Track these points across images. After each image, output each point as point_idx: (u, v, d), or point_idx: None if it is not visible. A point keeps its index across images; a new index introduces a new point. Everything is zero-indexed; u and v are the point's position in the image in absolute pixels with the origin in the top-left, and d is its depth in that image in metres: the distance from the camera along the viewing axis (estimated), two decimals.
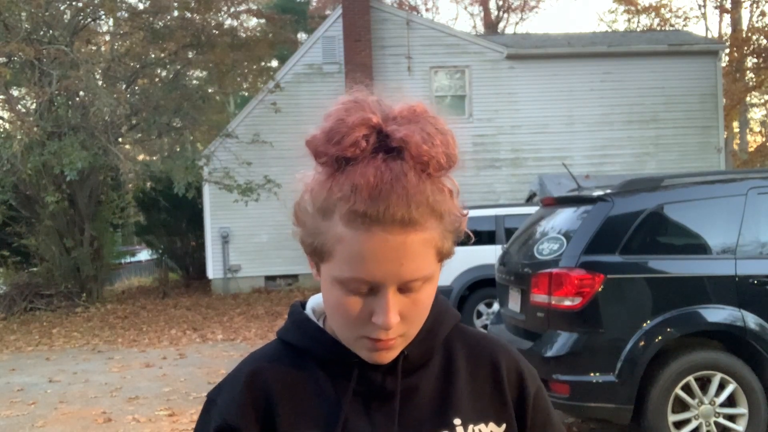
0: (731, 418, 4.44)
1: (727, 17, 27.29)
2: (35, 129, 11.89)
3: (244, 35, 17.13)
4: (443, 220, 0.92)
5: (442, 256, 0.94)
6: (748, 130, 29.73)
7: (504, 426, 1.03)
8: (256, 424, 0.98)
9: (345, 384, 0.99)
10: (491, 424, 1.02)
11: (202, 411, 1.05)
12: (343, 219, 0.91)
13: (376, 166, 0.91)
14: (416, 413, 0.99)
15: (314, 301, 1.09)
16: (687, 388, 4.42)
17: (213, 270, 16.83)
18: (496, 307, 7.34)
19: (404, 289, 0.91)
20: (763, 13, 24.18)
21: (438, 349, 1.04)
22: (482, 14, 36.20)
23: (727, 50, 22.47)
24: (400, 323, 0.91)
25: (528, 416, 1.07)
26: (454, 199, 0.96)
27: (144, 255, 26.88)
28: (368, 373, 0.99)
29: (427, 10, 36.87)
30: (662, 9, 27.41)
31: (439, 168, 0.95)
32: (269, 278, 16.81)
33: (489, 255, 9.24)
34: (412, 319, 0.93)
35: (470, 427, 1.00)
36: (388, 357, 0.95)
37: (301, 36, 29.78)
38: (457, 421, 1.00)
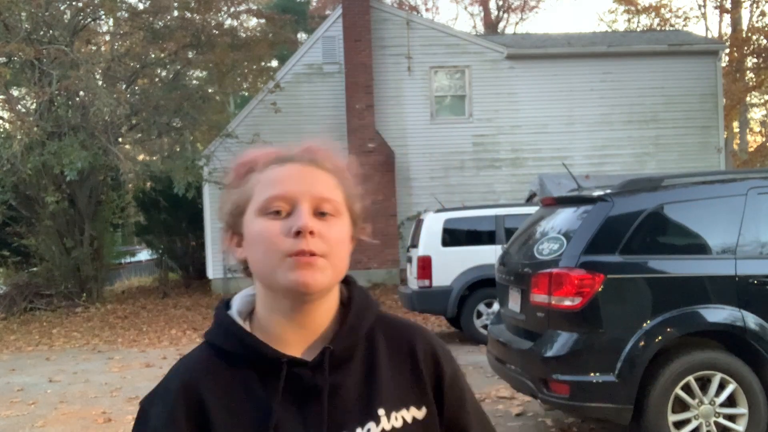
0: (731, 418, 4.44)
1: (727, 17, 27.29)
2: (35, 129, 11.89)
3: (244, 35, 17.12)
4: (345, 180, 1.08)
5: (352, 212, 1.08)
6: (748, 130, 29.71)
7: (425, 409, 1.07)
8: (188, 429, 1.00)
9: (275, 383, 1.01)
10: (412, 409, 1.06)
11: (136, 419, 1.07)
12: (262, 169, 1.06)
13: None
14: (343, 408, 1.02)
15: (238, 302, 1.15)
16: (687, 388, 4.41)
17: (213, 270, 16.83)
18: (496, 307, 7.35)
19: (317, 210, 1.02)
20: (763, 13, 24.19)
21: (361, 342, 1.08)
22: (482, 14, 36.21)
23: (727, 50, 22.47)
24: (317, 240, 0.99)
25: (445, 398, 1.10)
26: (356, 187, 1.10)
27: (144, 255, 26.86)
28: (296, 371, 1.02)
29: (427, 10, 36.91)
30: (662, 9, 27.41)
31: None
32: None
33: (489, 255, 9.23)
34: (328, 240, 1.00)
35: (393, 414, 1.04)
36: (312, 277, 0.99)
37: (301, 36, 29.77)
38: (381, 411, 1.04)
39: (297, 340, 1.05)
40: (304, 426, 1.00)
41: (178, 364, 1.09)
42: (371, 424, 1.03)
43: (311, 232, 0.99)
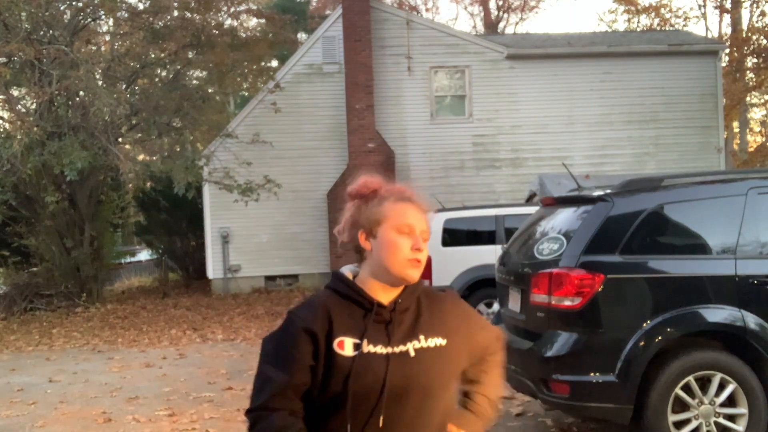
0: (731, 418, 4.44)
1: (727, 17, 27.29)
2: (35, 129, 11.89)
3: (244, 35, 17.11)
4: (430, 216, 1.93)
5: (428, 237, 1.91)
6: (748, 130, 29.71)
7: (446, 341, 1.90)
8: (323, 329, 1.80)
9: (368, 314, 1.85)
10: (439, 338, 1.89)
11: (284, 323, 1.85)
12: (394, 201, 1.88)
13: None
14: (401, 332, 1.86)
15: (345, 270, 1.95)
16: (687, 388, 4.42)
17: (213, 270, 16.83)
18: (496, 307, 7.34)
19: (422, 237, 1.85)
20: (763, 13, 24.18)
21: (414, 301, 1.92)
22: (482, 14, 36.20)
23: (727, 50, 22.47)
24: (421, 254, 1.84)
25: (472, 343, 2.00)
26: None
27: (144, 255, 26.86)
28: (380, 309, 1.86)
29: (427, 10, 36.87)
30: (662, 9, 27.41)
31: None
32: (269, 278, 16.82)
33: (489, 255, 9.24)
34: (424, 255, 1.85)
35: (429, 338, 1.87)
36: (417, 274, 1.86)
37: (301, 36, 29.76)
38: (421, 336, 1.87)
39: (383, 296, 1.88)
40: (380, 338, 1.83)
41: (315, 295, 1.91)
42: (415, 342, 1.86)
43: (419, 249, 1.85)
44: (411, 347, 1.85)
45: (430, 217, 1.92)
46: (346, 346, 1.80)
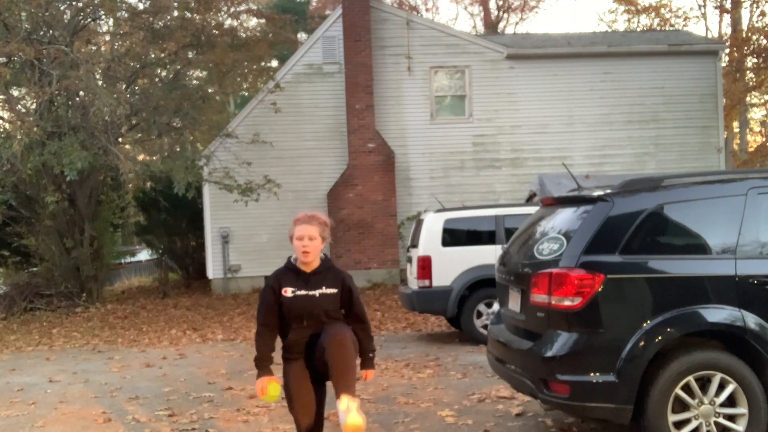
0: (731, 418, 4.44)
1: (727, 17, 27.28)
2: (35, 129, 11.89)
3: (244, 35, 17.10)
4: (324, 230, 3.92)
5: (323, 238, 3.89)
6: (748, 130, 29.71)
7: (336, 290, 3.90)
8: (278, 285, 3.90)
9: (298, 275, 3.91)
10: (332, 289, 3.89)
11: (264, 287, 4.01)
12: (294, 225, 3.95)
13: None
14: (314, 285, 3.88)
15: (293, 257, 3.99)
16: (687, 388, 4.41)
17: (213, 270, 16.83)
18: (496, 307, 7.34)
19: (309, 238, 3.85)
20: (763, 13, 24.17)
21: (325, 271, 3.93)
22: (482, 14, 36.19)
23: (727, 50, 22.46)
24: (309, 243, 3.85)
25: (346, 295, 3.95)
26: (326, 230, 3.93)
27: (144, 255, 26.88)
28: (303, 273, 3.90)
29: (427, 10, 36.86)
30: (662, 9, 27.40)
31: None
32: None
33: (489, 255, 9.24)
34: (312, 246, 3.85)
35: (328, 288, 3.88)
36: (308, 257, 3.87)
37: (301, 36, 29.77)
38: (323, 287, 3.88)
39: (305, 267, 3.92)
40: (303, 287, 3.88)
41: (276, 270, 3.99)
42: (319, 290, 3.86)
43: (306, 246, 3.88)
44: (317, 292, 3.85)
45: (316, 223, 3.86)
46: (288, 292, 3.87)
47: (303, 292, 3.84)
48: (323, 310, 3.84)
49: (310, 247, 3.82)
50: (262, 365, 3.91)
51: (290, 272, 3.91)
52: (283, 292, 3.85)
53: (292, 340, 3.90)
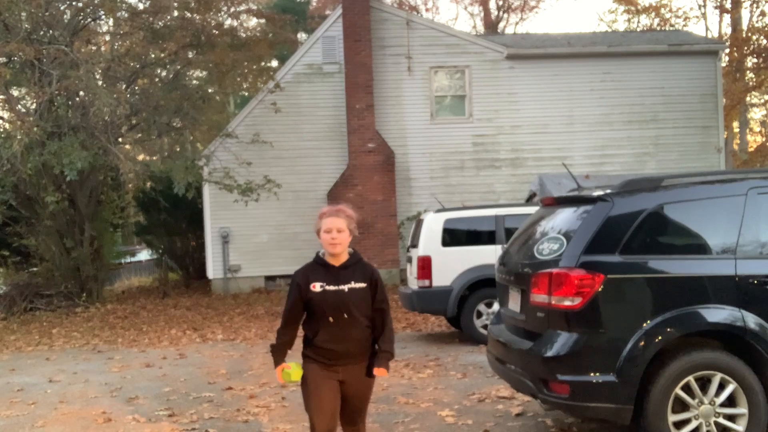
0: (731, 418, 4.44)
1: (727, 17, 27.29)
2: (35, 129, 11.88)
3: (244, 35, 17.09)
4: (351, 222, 3.85)
5: (350, 230, 3.83)
6: (748, 130, 29.72)
7: (366, 285, 3.84)
8: (304, 280, 3.83)
9: (327, 269, 3.85)
10: (361, 283, 3.83)
11: (290, 283, 3.93)
12: (319, 218, 3.90)
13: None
14: (344, 279, 3.81)
15: (321, 250, 3.93)
16: (687, 388, 4.41)
17: (213, 270, 16.83)
18: (496, 307, 7.34)
19: (337, 231, 3.80)
20: (763, 13, 24.17)
21: (353, 265, 3.87)
22: (482, 14, 36.19)
23: (727, 50, 22.46)
24: (337, 236, 3.79)
25: (375, 289, 3.88)
26: (353, 223, 3.86)
27: (144, 255, 26.87)
28: (333, 268, 3.85)
29: (427, 10, 36.85)
30: (662, 9, 27.42)
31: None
32: (269, 278, 16.82)
33: (489, 255, 9.24)
34: (341, 239, 3.80)
35: (357, 283, 3.82)
36: (336, 249, 3.81)
37: (301, 36, 29.78)
38: (353, 282, 3.82)
39: (334, 261, 3.86)
40: (332, 282, 3.81)
41: (304, 265, 3.93)
42: (349, 284, 3.80)
43: (334, 238, 3.83)
44: (346, 287, 3.79)
45: (343, 216, 3.81)
46: (317, 287, 3.79)
47: (333, 287, 3.76)
48: (353, 304, 3.76)
49: (339, 239, 3.75)
50: (277, 354, 3.90)
51: (319, 267, 3.84)
52: (311, 287, 3.77)
53: (322, 340, 3.80)
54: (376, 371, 3.81)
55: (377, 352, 3.86)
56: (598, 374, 4.39)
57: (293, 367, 3.86)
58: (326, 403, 3.80)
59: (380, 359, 3.82)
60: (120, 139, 14.70)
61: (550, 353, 4.49)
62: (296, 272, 3.88)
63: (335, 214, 3.79)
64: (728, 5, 26.37)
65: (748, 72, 24.40)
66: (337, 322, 3.76)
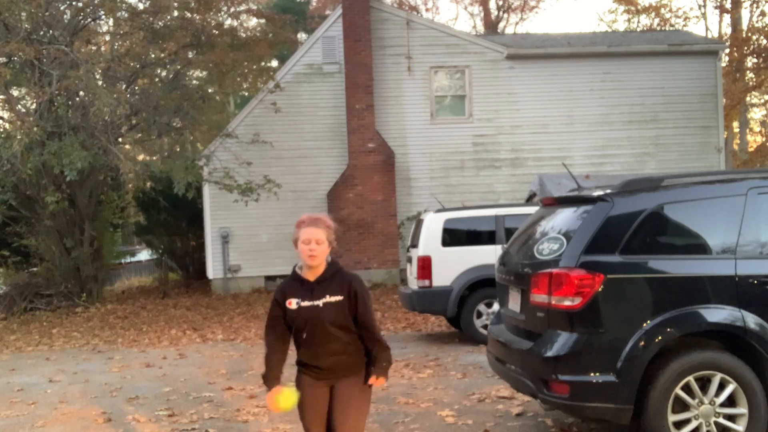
0: (731, 418, 4.44)
1: (727, 17, 27.29)
2: (35, 129, 11.88)
3: (244, 35, 17.09)
4: (330, 234, 3.63)
5: (329, 242, 3.61)
6: (748, 130, 29.71)
7: (342, 297, 3.58)
8: (282, 297, 3.67)
9: (302, 284, 3.64)
10: (338, 296, 3.58)
11: (271, 301, 3.76)
12: (298, 228, 3.66)
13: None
14: (319, 294, 3.59)
15: (297, 265, 3.73)
16: (687, 388, 4.41)
17: (213, 270, 16.83)
18: (496, 307, 7.34)
19: (316, 242, 3.57)
20: (763, 13, 24.18)
21: (331, 277, 3.62)
22: (482, 14, 36.18)
23: (727, 50, 22.46)
24: (315, 248, 3.56)
25: (354, 300, 3.61)
26: (332, 234, 3.65)
27: (144, 255, 26.87)
28: (308, 282, 3.62)
29: (427, 10, 36.84)
30: (662, 9, 27.41)
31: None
32: (269, 278, 16.81)
33: (489, 255, 9.24)
34: (319, 251, 3.57)
35: (333, 296, 3.58)
36: (314, 261, 3.58)
37: (301, 36, 29.76)
38: (327, 295, 3.58)
39: (310, 274, 3.63)
40: (307, 297, 3.60)
41: (282, 282, 3.77)
42: (324, 298, 3.57)
43: (312, 250, 3.59)
44: (321, 302, 3.58)
45: (323, 226, 3.61)
46: (293, 304, 3.63)
47: (307, 303, 3.58)
48: (328, 320, 3.56)
49: (317, 252, 3.55)
50: (269, 381, 3.67)
51: (295, 282, 3.66)
52: (287, 305, 3.62)
53: (306, 356, 3.68)
54: (372, 380, 3.63)
55: (373, 362, 3.68)
56: (598, 374, 4.39)
57: (285, 393, 3.61)
58: (318, 411, 3.69)
59: (376, 368, 3.64)
60: (120, 139, 14.70)
61: (550, 353, 4.49)
62: (276, 289, 3.75)
63: (314, 224, 3.60)
64: (728, 5, 26.37)
65: (748, 72, 24.40)
66: (312, 338, 3.60)
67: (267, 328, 3.74)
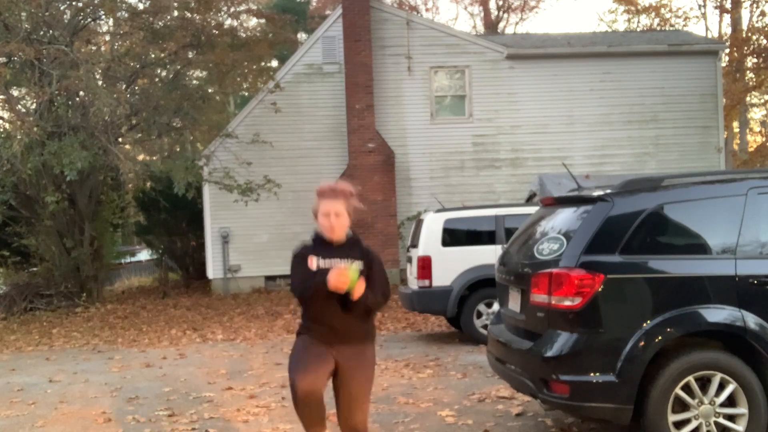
0: (731, 418, 4.44)
1: (727, 17, 27.29)
2: (35, 129, 11.88)
3: (244, 35, 17.10)
4: (350, 204, 3.74)
5: (349, 213, 3.73)
6: (748, 130, 29.72)
7: (361, 263, 3.70)
8: (304, 255, 3.76)
9: (324, 246, 3.77)
10: (358, 261, 3.69)
11: (292, 259, 3.82)
12: (318, 199, 3.82)
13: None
14: (341, 255, 3.71)
15: (316, 228, 3.82)
16: (687, 388, 4.41)
17: (213, 270, 16.83)
18: (496, 307, 7.34)
19: (335, 215, 3.71)
20: (763, 13, 24.18)
21: (350, 244, 3.77)
22: (482, 14, 36.19)
23: (727, 50, 22.46)
24: (335, 221, 3.70)
25: (371, 268, 3.74)
26: (351, 204, 3.76)
27: (144, 255, 26.87)
28: (329, 245, 3.76)
29: (427, 10, 36.84)
30: (662, 9, 27.41)
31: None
32: (269, 278, 16.82)
33: (489, 255, 9.24)
34: (339, 224, 3.71)
35: (354, 261, 3.68)
36: (335, 234, 3.72)
37: (301, 36, 29.77)
38: (349, 259, 3.70)
39: (332, 239, 3.75)
40: (330, 256, 3.71)
41: (302, 242, 3.86)
42: (347, 261, 3.68)
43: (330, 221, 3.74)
44: (343, 263, 3.65)
45: (342, 197, 3.70)
46: (313, 263, 3.69)
47: (327, 264, 3.62)
48: None
49: (337, 224, 3.63)
50: (318, 277, 3.62)
51: (316, 244, 3.73)
52: (309, 263, 3.66)
53: (313, 317, 3.71)
54: (359, 283, 3.57)
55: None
56: (598, 374, 4.39)
57: (348, 268, 3.59)
58: (311, 362, 3.62)
59: (369, 290, 3.64)
60: (120, 139, 14.71)
61: (550, 353, 4.49)
62: (295, 249, 3.79)
63: (333, 196, 3.64)
64: (728, 5, 26.37)
65: (748, 72, 24.40)
66: (327, 298, 3.58)
67: (299, 284, 3.67)
